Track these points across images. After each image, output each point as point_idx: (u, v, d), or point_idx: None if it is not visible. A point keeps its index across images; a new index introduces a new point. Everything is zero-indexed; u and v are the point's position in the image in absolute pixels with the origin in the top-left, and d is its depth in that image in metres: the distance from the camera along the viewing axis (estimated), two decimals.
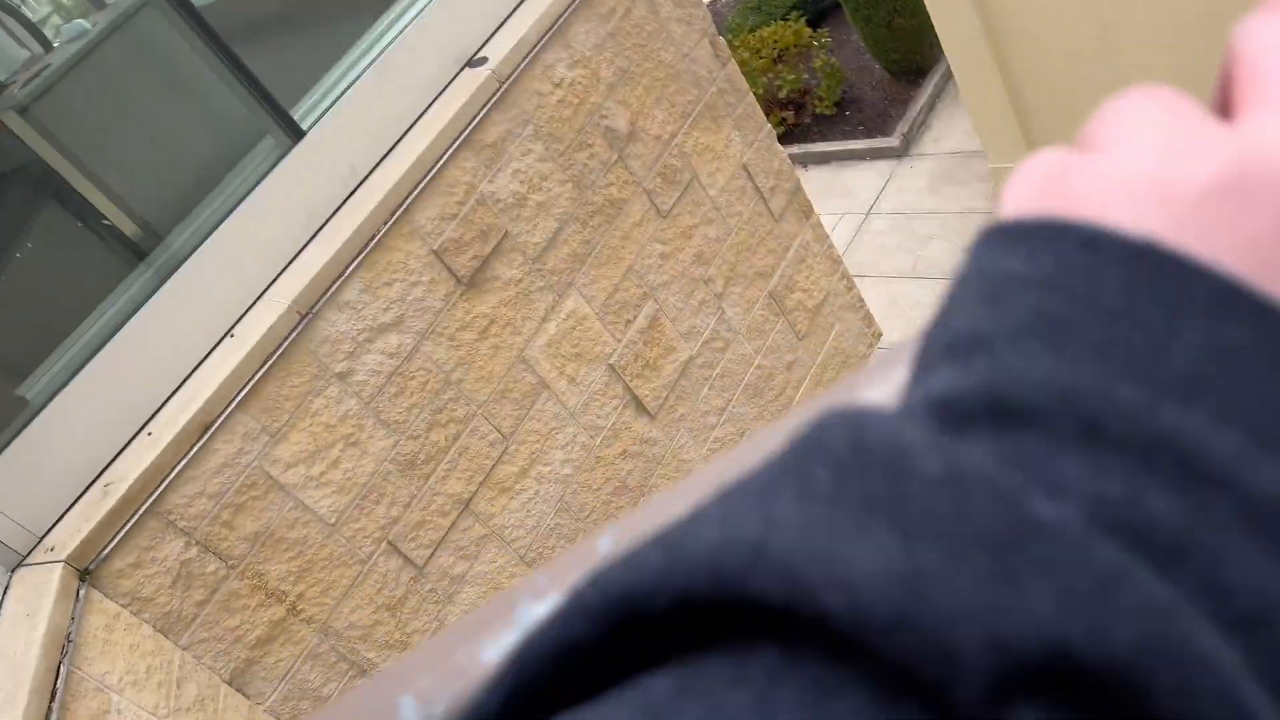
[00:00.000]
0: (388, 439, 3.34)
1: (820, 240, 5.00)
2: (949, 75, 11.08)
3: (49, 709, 2.33)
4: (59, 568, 2.67)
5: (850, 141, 11.36)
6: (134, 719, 2.56)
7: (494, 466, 3.66)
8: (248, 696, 3.07)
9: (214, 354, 3.09)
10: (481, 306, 3.59)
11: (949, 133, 10.80)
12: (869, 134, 11.33)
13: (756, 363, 4.72)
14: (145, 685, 2.68)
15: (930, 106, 11.25)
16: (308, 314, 3.14)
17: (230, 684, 3.03)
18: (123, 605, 2.81)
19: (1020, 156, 8.55)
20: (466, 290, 3.54)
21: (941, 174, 10.41)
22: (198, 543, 2.93)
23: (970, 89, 8.70)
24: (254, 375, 3.03)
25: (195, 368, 3.08)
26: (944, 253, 9.56)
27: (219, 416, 2.96)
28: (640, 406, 4.18)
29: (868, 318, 5.36)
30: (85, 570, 2.74)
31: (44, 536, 2.81)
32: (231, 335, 3.11)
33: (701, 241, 4.39)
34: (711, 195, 4.43)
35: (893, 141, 10.99)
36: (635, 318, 4.13)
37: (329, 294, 3.18)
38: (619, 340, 4.07)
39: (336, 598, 3.25)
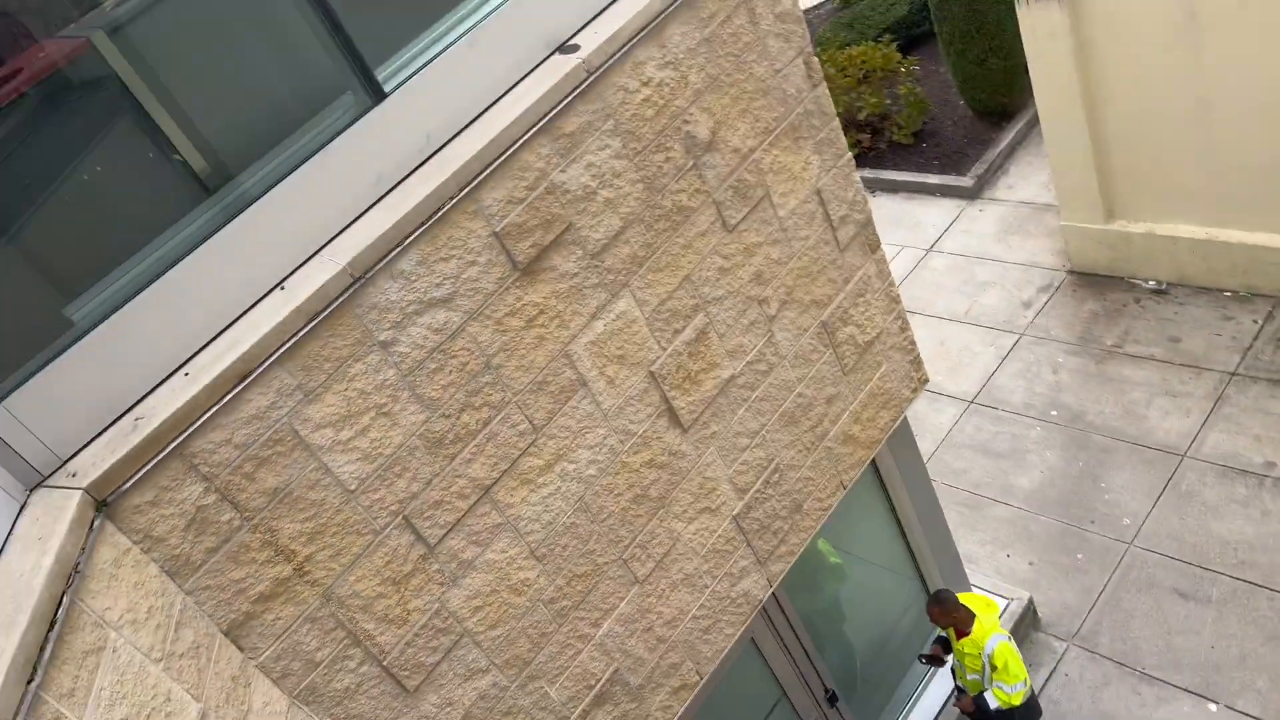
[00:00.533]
0: (420, 414, 3.30)
1: (883, 277, 4.90)
2: (1034, 123, 10.87)
3: (46, 638, 2.32)
4: (77, 495, 2.66)
5: (923, 174, 11.19)
6: (129, 658, 2.55)
7: (520, 457, 3.61)
8: (242, 649, 3.06)
9: (262, 304, 3.06)
10: (533, 295, 3.54)
11: (1024, 181, 10.60)
12: (943, 170, 11.15)
13: (798, 391, 4.63)
14: (144, 626, 2.66)
15: (1010, 151, 11.05)
16: (361, 278, 3.10)
17: (227, 635, 3.02)
18: (134, 541, 2.80)
19: (1096, 219, 8.35)
20: (521, 277, 3.49)
21: (1011, 222, 10.23)
22: (217, 490, 2.91)
23: (1055, 141, 8.52)
24: (299, 331, 3.00)
25: (241, 314, 3.06)
26: (1001, 302, 9.39)
27: (257, 367, 2.94)
28: (674, 418, 4.12)
29: (917, 362, 5.25)
30: (103, 501, 2.73)
31: (67, 461, 2.80)
32: (282, 288, 3.08)
33: (763, 261, 4.31)
34: (780, 216, 4.35)
35: (966, 181, 10.82)
36: (684, 328, 4.06)
37: (385, 261, 3.14)
38: (664, 349, 4.01)
39: (344, 565, 3.23)
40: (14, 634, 2.24)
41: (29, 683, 2.20)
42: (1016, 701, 5.48)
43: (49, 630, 2.33)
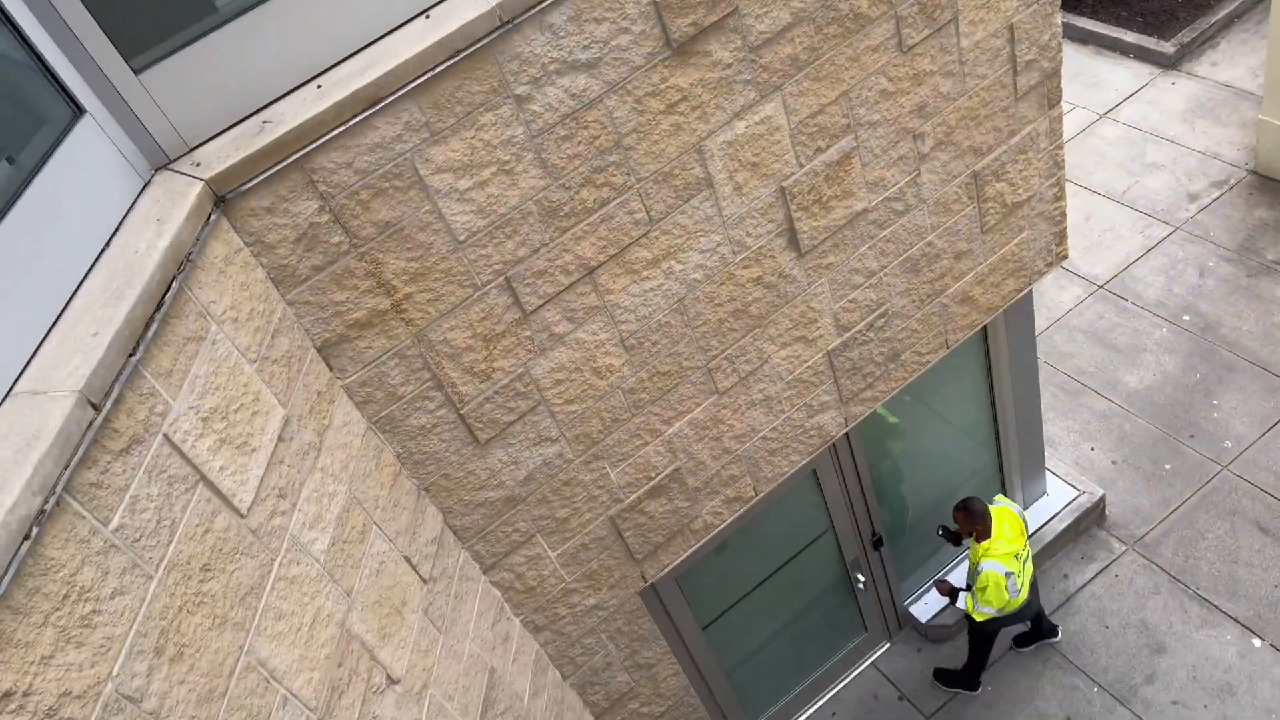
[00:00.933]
0: (541, 179, 3.21)
1: (1052, 137, 4.50)
2: (1264, 2, 9.66)
3: (151, 318, 2.39)
4: (199, 185, 2.68)
5: (1121, 30, 10.14)
6: (226, 353, 2.64)
7: (630, 245, 3.53)
8: (330, 368, 3.15)
9: (405, 29, 2.94)
10: (680, 79, 3.33)
11: (1231, 61, 9.54)
12: (1144, 29, 10.09)
13: (929, 240, 4.39)
14: (244, 326, 2.74)
15: (1226, 23, 9.90)
16: (509, 22, 2.93)
17: (319, 351, 3.10)
18: (246, 243, 2.83)
19: None
20: (672, 57, 3.27)
21: (1203, 102, 9.30)
22: (331, 211, 2.91)
23: None
24: (436, 66, 2.88)
25: (382, 36, 2.94)
26: (1165, 189, 8.69)
27: (389, 95, 2.85)
28: (794, 240, 3.95)
29: (1061, 235, 4.91)
30: (222, 197, 2.74)
31: (194, 149, 2.81)
32: (427, 16, 2.94)
33: (930, 93, 3.98)
34: (962, 46, 3.96)
35: (1167, 47, 9.79)
36: (828, 148, 3.82)
37: (537, 9, 2.95)
38: (801, 165, 3.79)
39: (441, 311, 3.25)
40: (122, 306, 2.32)
41: (130, 355, 2.29)
42: (976, 617, 5.51)
43: (155, 310, 2.40)
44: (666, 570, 4.59)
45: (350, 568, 2.98)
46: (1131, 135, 9.29)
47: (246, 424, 2.65)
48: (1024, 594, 5.45)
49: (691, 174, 3.54)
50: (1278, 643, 6.01)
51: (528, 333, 3.48)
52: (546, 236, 3.32)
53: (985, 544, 5.30)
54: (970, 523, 5.32)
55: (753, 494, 4.64)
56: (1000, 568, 5.25)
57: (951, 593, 5.63)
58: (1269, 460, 6.78)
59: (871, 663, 6.60)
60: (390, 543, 3.24)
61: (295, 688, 2.57)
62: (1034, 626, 6.18)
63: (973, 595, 5.41)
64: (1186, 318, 7.73)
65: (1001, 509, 5.42)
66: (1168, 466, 6.95)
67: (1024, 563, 5.38)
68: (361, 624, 2.96)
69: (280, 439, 2.77)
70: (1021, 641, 6.32)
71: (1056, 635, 6.28)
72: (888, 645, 6.64)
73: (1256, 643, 6.05)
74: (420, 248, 3.11)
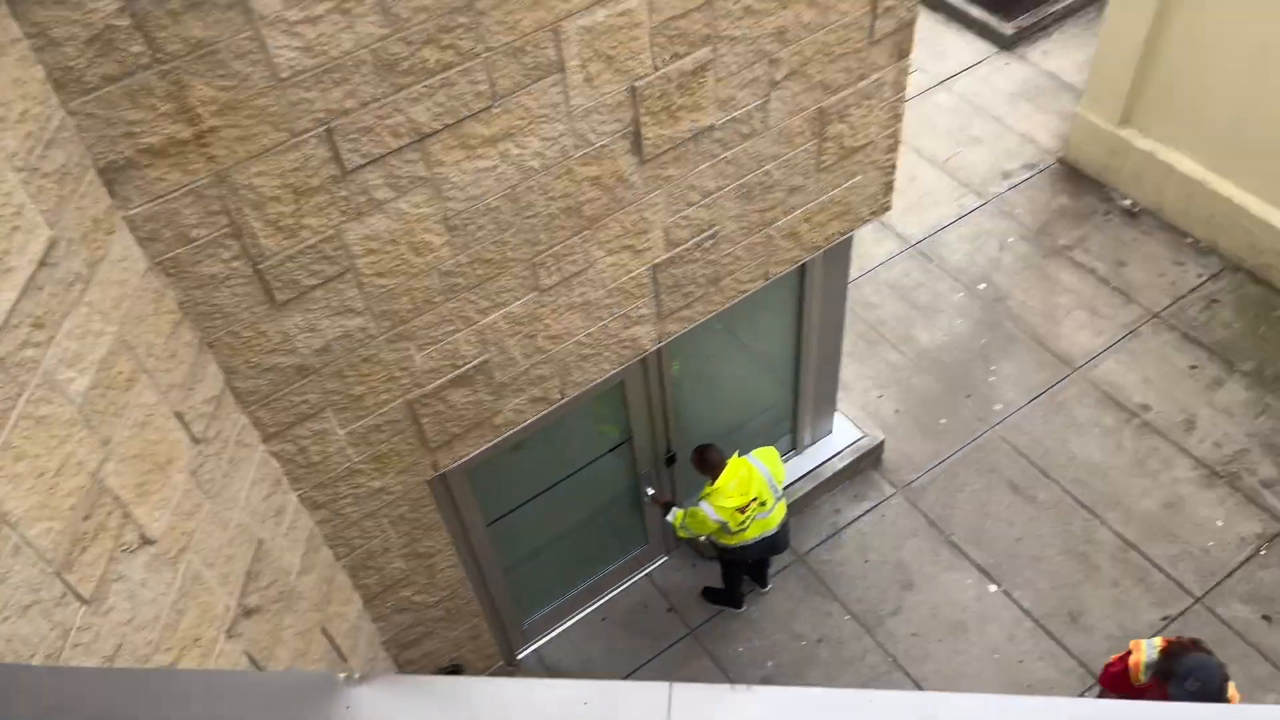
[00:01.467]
0: (381, 28, 2.95)
1: (897, 88, 4.59)
2: (1100, 2, 10.22)
3: None
4: None
5: (969, 3, 10.49)
6: None
7: (469, 118, 3.33)
8: (113, 195, 2.82)
9: None
10: None
11: (1060, 52, 10.08)
12: (990, 7, 10.47)
13: (767, 169, 4.40)
14: (13, 128, 2.39)
15: (1062, 16, 10.41)
16: None
17: (101, 174, 2.76)
18: (27, 34, 2.45)
19: (1111, 119, 8.01)
20: None
21: (1029, 88, 9.80)
22: (134, 15, 2.56)
23: (1114, 30, 8.03)
24: None
25: None
26: (982, 163, 9.15)
27: None
28: (637, 145, 3.86)
29: (889, 187, 5.06)
30: None
31: None
32: None
33: (792, 19, 3.94)
34: None
35: (1006, 29, 10.20)
36: (685, 55, 3.73)
37: None
38: (657, 69, 3.68)
39: (250, 153, 2.96)
40: None
41: None
42: (679, 534, 5.89)
43: None
44: (460, 462, 4.50)
45: (112, 416, 2.71)
46: (961, 108, 9.69)
47: (4, 239, 2.32)
48: (749, 535, 5.74)
49: (544, 54, 3.36)
50: (1010, 590, 6.63)
51: (344, 193, 3.24)
52: (379, 91, 3.07)
53: (710, 488, 5.62)
54: (702, 468, 5.63)
55: (559, 396, 4.60)
56: (712, 513, 5.58)
57: (666, 505, 5.91)
58: (1030, 426, 7.38)
59: (647, 574, 6.81)
60: (161, 395, 2.98)
61: (31, 535, 2.33)
62: (755, 569, 6.54)
63: (684, 514, 5.70)
64: (982, 286, 8.23)
65: (741, 463, 5.64)
66: (943, 421, 7.45)
67: (749, 518, 5.67)
68: (117, 477, 2.72)
69: (43, 263, 2.45)
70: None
71: (765, 587, 6.65)
72: (665, 559, 6.86)
73: (992, 588, 6.65)
74: (235, 77, 2.80)
